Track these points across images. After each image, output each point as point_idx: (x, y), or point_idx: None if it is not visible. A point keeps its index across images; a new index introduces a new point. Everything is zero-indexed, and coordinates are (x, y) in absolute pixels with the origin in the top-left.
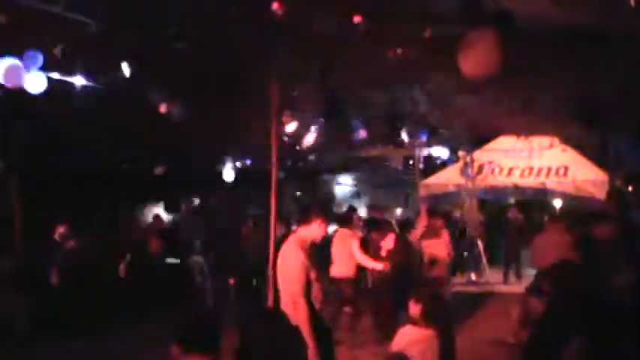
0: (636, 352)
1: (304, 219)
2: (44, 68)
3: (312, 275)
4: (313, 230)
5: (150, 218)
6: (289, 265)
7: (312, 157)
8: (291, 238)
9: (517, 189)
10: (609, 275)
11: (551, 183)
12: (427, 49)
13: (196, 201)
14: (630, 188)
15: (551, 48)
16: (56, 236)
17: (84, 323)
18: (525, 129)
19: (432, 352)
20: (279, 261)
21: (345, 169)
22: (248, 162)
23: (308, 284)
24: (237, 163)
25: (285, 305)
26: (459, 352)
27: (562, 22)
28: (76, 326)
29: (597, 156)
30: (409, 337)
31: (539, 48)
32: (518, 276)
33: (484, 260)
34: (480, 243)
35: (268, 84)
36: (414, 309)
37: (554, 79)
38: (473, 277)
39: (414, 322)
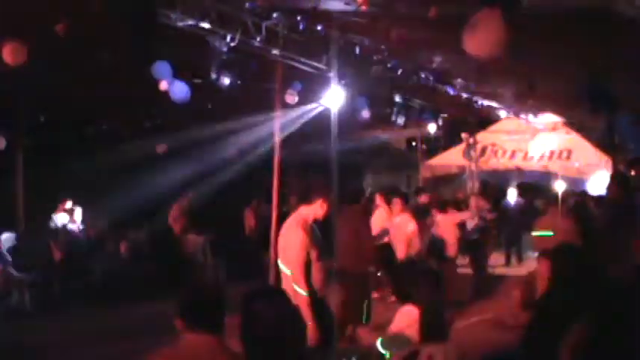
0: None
1: (306, 198)
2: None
3: (313, 255)
4: (315, 209)
5: None
6: (289, 244)
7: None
8: (293, 217)
9: (520, 172)
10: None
11: (554, 166)
12: (432, 29)
13: None
14: (633, 172)
15: (556, 29)
16: (60, 211)
17: (86, 299)
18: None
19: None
20: (279, 240)
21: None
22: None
23: (308, 263)
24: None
25: (286, 284)
26: (459, 333)
27: (568, 3)
28: (79, 302)
29: (601, 139)
30: (409, 316)
31: (545, 29)
32: (520, 259)
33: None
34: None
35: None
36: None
37: (560, 60)
38: None
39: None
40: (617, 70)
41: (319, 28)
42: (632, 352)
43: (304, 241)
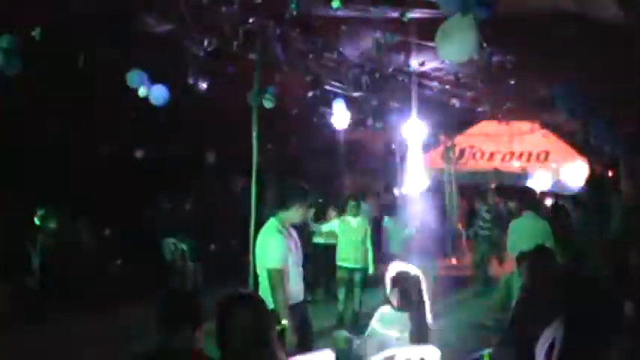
0: (612, 333)
1: (282, 203)
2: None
3: (290, 259)
4: (292, 214)
5: None
6: (267, 249)
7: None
8: (270, 222)
9: (498, 173)
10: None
11: (532, 168)
12: (407, 33)
13: None
14: (610, 174)
15: (532, 33)
16: (36, 218)
17: (66, 305)
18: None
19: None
20: (257, 244)
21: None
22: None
23: (285, 268)
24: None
25: (264, 289)
26: (439, 334)
27: (543, 7)
28: (57, 308)
29: (578, 141)
30: (387, 317)
31: (521, 33)
32: (500, 260)
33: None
34: (460, 227)
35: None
36: (392, 292)
37: (537, 63)
38: (454, 261)
39: (392, 303)
40: (592, 73)
41: (296, 32)
42: (606, 352)
43: (281, 246)
